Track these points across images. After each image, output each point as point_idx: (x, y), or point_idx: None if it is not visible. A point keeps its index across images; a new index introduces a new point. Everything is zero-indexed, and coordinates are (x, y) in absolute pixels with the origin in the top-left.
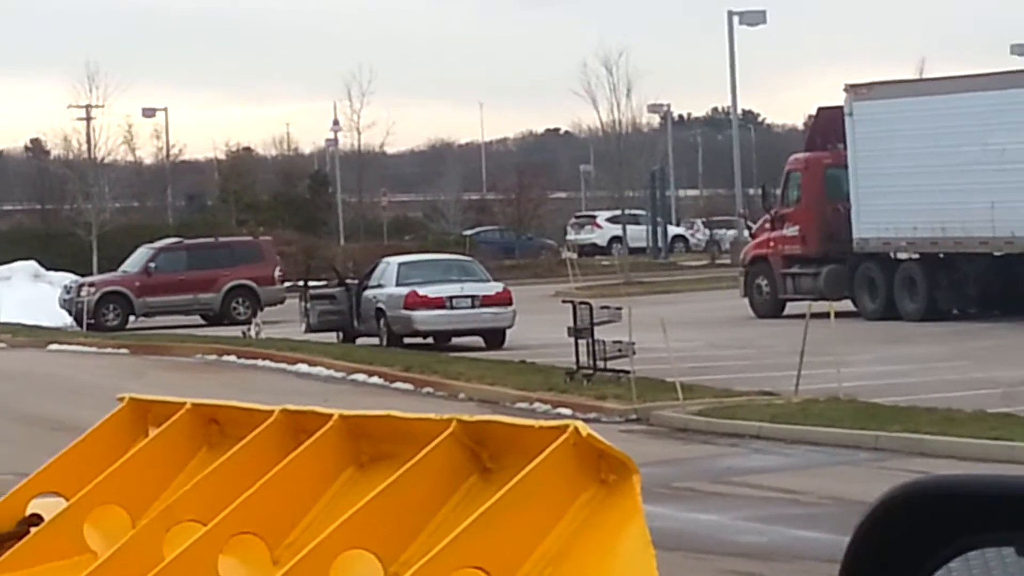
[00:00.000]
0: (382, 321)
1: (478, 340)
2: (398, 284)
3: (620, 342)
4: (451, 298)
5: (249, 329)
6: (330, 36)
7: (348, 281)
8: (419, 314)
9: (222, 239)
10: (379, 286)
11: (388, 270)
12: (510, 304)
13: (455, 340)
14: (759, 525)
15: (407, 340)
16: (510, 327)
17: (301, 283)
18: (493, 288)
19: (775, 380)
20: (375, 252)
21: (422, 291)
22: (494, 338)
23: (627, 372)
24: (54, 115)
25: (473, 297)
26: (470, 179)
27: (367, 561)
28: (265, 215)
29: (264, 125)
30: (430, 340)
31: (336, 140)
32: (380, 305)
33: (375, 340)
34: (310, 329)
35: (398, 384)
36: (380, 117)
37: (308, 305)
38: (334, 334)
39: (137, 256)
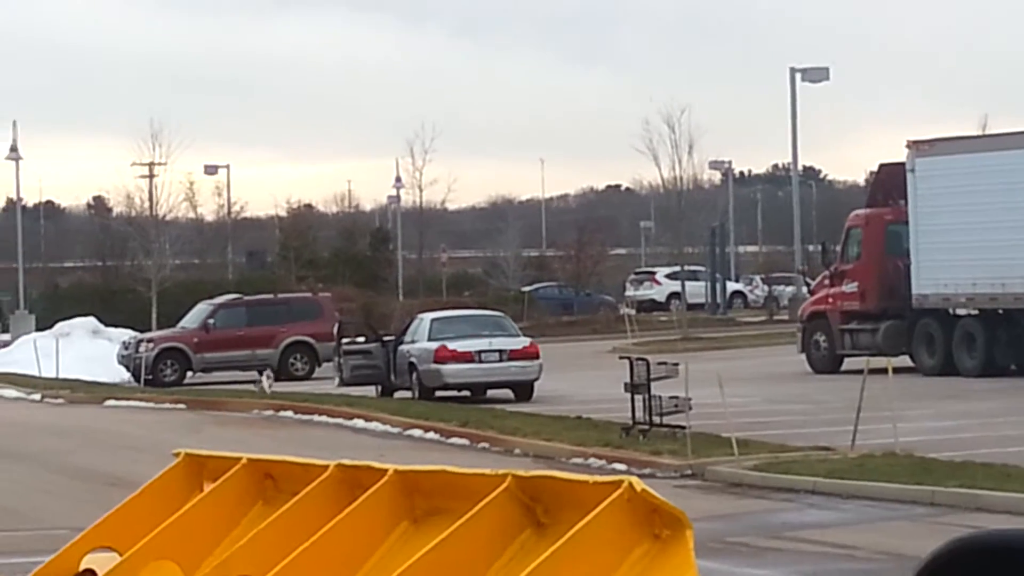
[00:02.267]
0: (414, 375)
1: (513, 393)
2: (430, 339)
3: (676, 397)
4: (479, 352)
5: (260, 382)
6: (392, 94)
7: (385, 337)
8: (448, 368)
9: (281, 295)
10: (413, 341)
11: (421, 326)
12: (537, 358)
13: (489, 393)
14: None
15: (439, 393)
16: (537, 380)
17: (334, 340)
18: (520, 343)
19: (831, 435)
20: (433, 308)
21: (452, 345)
22: (522, 391)
23: (683, 427)
24: (117, 173)
25: (501, 351)
26: (530, 235)
27: None
28: (325, 271)
29: (325, 182)
30: (466, 393)
31: (398, 197)
32: (412, 359)
33: (409, 394)
34: (343, 383)
35: (454, 439)
36: (442, 174)
37: (341, 360)
38: (372, 388)
39: (196, 312)
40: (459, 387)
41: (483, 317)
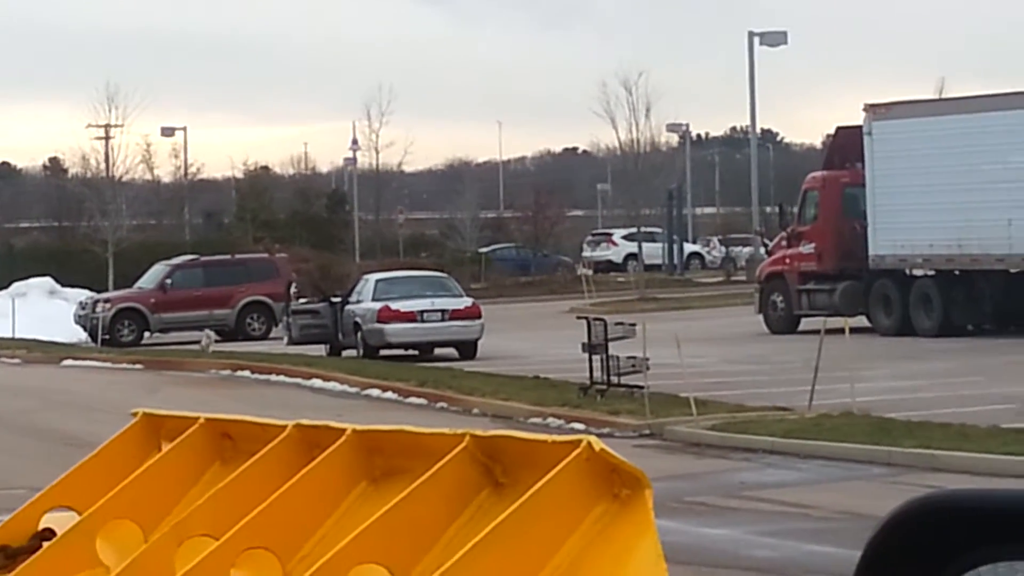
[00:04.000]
0: (359, 334)
1: (478, 352)
2: (374, 299)
3: (634, 358)
4: (422, 312)
5: (201, 341)
6: (349, 56)
7: (333, 298)
8: (391, 327)
9: (238, 256)
10: (358, 301)
11: (366, 286)
12: (479, 317)
13: (445, 352)
14: (772, 540)
15: (384, 352)
16: (479, 339)
17: (289, 299)
18: (463, 303)
19: (789, 395)
20: (391, 270)
21: (394, 305)
22: (466, 349)
23: (641, 387)
24: (73, 134)
25: (443, 311)
26: (487, 197)
27: (379, 575)
28: (282, 233)
29: (282, 145)
30: (413, 352)
31: (354, 159)
32: (357, 319)
33: (355, 352)
34: (292, 342)
35: (412, 399)
36: (398, 136)
37: (290, 320)
38: (321, 348)
39: (153, 273)
40: (401, 346)
41: (427, 278)
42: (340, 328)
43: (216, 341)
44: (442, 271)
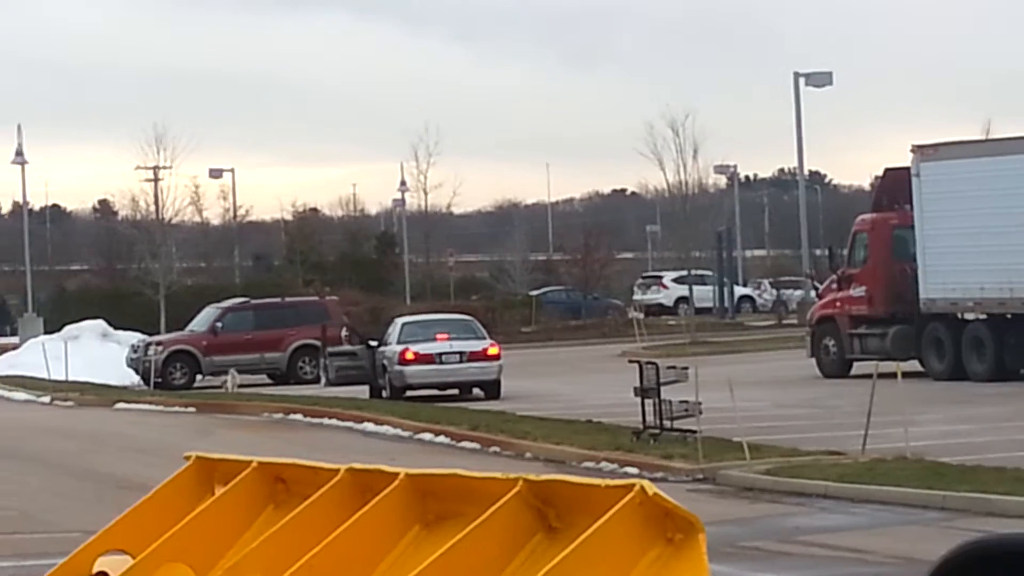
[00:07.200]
0: (387, 375)
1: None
2: (399, 342)
3: (687, 402)
4: (441, 354)
5: (225, 382)
6: (397, 97)
7: (371, 341)
8: (411, 369)
9: (288, 299)
10: (387, 343)
11: (395, 329)
12: (496, 359)
13: (452, 393)
14: None
15: (418, 393)
16: (496, 380)
17: (319, 342)
18: (481, 345)
19: (842, 439)
20: (427, 312)
21: (415, 348)
22: (489, 389)
23: (694, 432)
24: (122, 177)
25: (461, 353)
26: (537, 239)
27: None
28: (332, 275)
29: (331, 186)
30: (455, 392)
31: (403, 201)
32: (384, 361)
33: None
34: (329, 383)
35: (465, 443)
36: (447, 178)
37: (327, 361)
38: (362, 389)
39: (204, 315)
40: (422, 387)
41: (451, 321)
42: (376, 370)
43: (244, 384)
44: (470, 314)
